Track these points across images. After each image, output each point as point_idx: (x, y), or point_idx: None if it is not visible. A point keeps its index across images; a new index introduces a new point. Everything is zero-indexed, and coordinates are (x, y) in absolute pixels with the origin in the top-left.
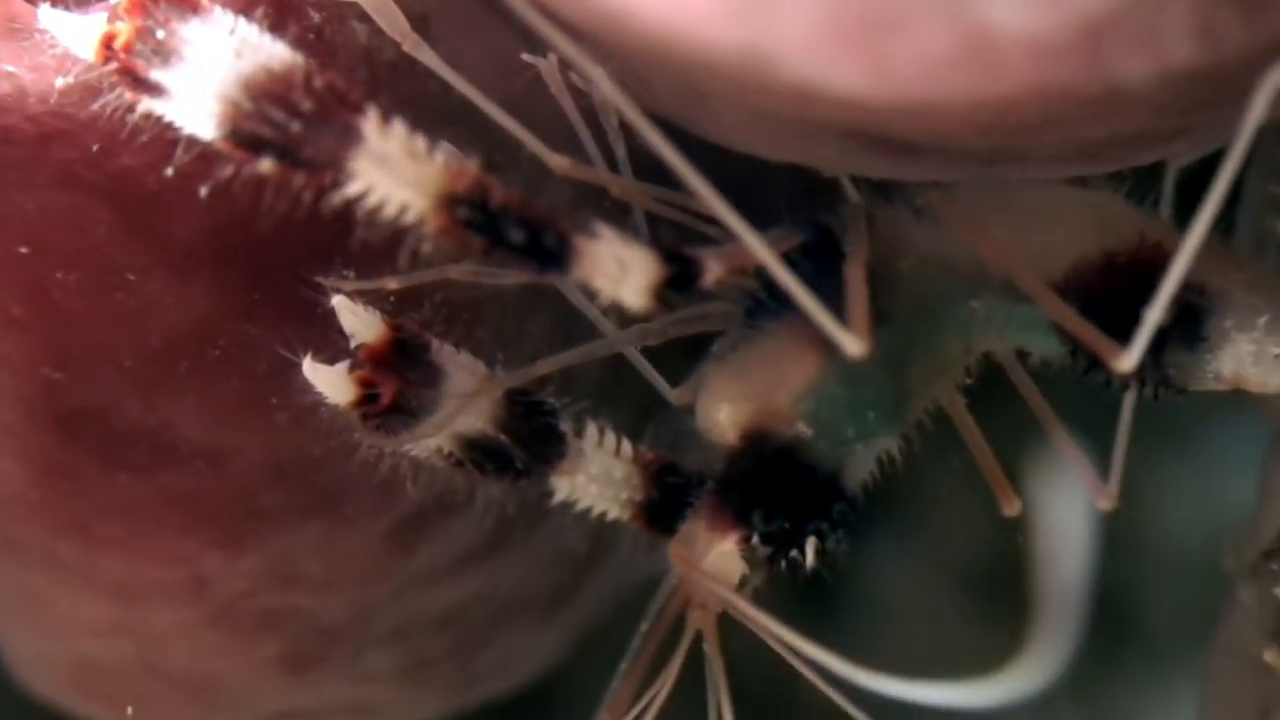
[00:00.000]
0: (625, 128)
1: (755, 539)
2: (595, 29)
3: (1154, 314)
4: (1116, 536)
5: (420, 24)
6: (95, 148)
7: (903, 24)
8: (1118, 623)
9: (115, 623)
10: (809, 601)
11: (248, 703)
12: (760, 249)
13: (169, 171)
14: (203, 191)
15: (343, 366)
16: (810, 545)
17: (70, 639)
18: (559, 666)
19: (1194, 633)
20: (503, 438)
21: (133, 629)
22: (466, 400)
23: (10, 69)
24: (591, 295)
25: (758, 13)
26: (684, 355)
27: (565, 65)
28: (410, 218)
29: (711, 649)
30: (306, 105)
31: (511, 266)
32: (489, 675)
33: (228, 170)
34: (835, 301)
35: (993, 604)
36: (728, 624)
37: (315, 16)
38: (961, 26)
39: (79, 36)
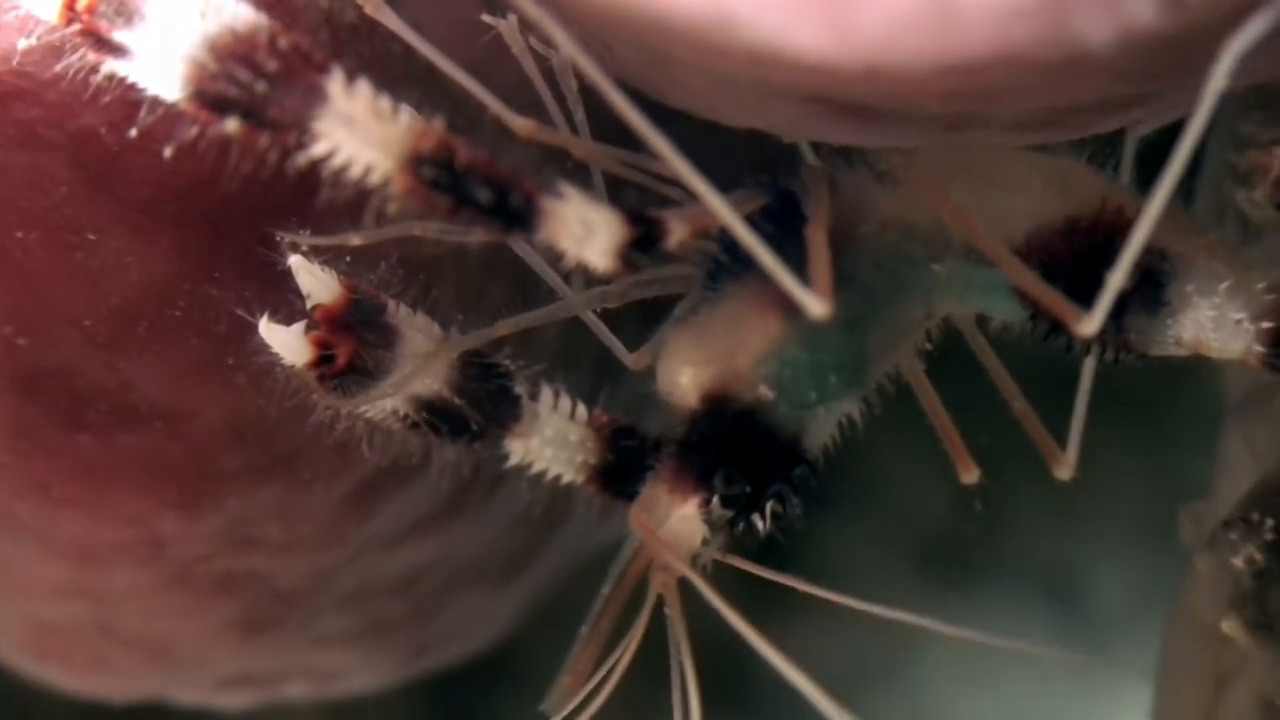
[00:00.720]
0: (586, 91)
1: (716, 502)
2: None
3: (1116, 277)
4: (1072, 506)
5: None
6: (56, 107)
7: None
8: (1072, 593)
9: (72, 584)
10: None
11: (204, 665)
12: (723, 210)
13: (133, 133)
14: (167, 152)
15: (299, 327)
16: (768, 508)
17: (27, 600)
18: (517, 632)
19: (1149, 603)
20: (457, 400)
21: (90, 590)
22: (423, 361)
23: None
24: (555, 257)
25: None
26: (642, 319)
27: (526, 27)
28: (375, 178)
29: (673, 612)
30: (271, 65)
31: (477, 227)
32: (446, 640)
33: (192, 131)
34: (797, 264)
35: (949, 571)
36: (690, 587)
37: None
38: None
39: None
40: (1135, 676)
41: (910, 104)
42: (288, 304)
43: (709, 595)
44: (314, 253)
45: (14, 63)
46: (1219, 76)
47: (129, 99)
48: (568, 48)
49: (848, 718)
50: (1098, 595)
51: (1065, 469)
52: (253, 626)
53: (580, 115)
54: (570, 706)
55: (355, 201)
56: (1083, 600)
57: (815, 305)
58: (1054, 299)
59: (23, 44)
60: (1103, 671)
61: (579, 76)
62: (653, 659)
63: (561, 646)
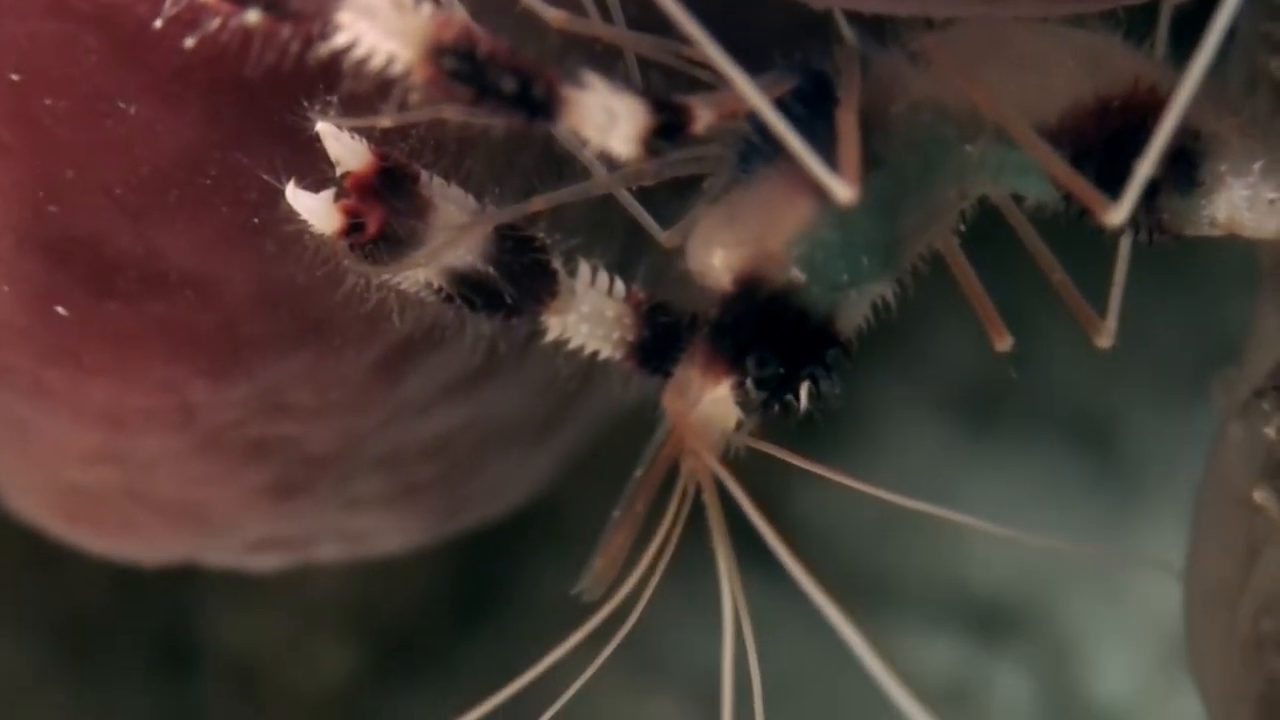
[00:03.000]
0: None
1: (749, 384)
2: None
3: (1145, 165)
4: (1106, 362)
5: None
6: None
7: None
8: (1104, 447)
9: (102, 450)
10: (800, 439)
11: (234, 529)
12: (752, 93)
13: (157, 24)
14: (188, 43)
15: (327, 194)
16: (804, 390)
17: (57, 466)
18: (551, 489)
19: (1181, 461)
20: (492, 273)
21: (120, 456)
22: (457, 233)
23: None
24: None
25: None
26: (674, 195)
27: None
28: (397, 69)
29: (709, 497)
30: None
31: (499, 116)
32: (479, 501)
33: (214, 23)
34: (827, 146)
35: (983, 420)
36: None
37: None
38: None
39: None
40: (1166, 530)
41: None
42: (319, 172)
43: (731, 488)
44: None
45: None
46: None
47: None
48: None
49: (859, 638)
50: (1131, 446)
51: (1105, 337)
52: (284, 491)
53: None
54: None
55: (380, 88)
56: (1116, 451)
57: (842, 190)
58: (1081, 185)
59: None
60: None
61: None
62: (693, 536)
63: (597, 503)
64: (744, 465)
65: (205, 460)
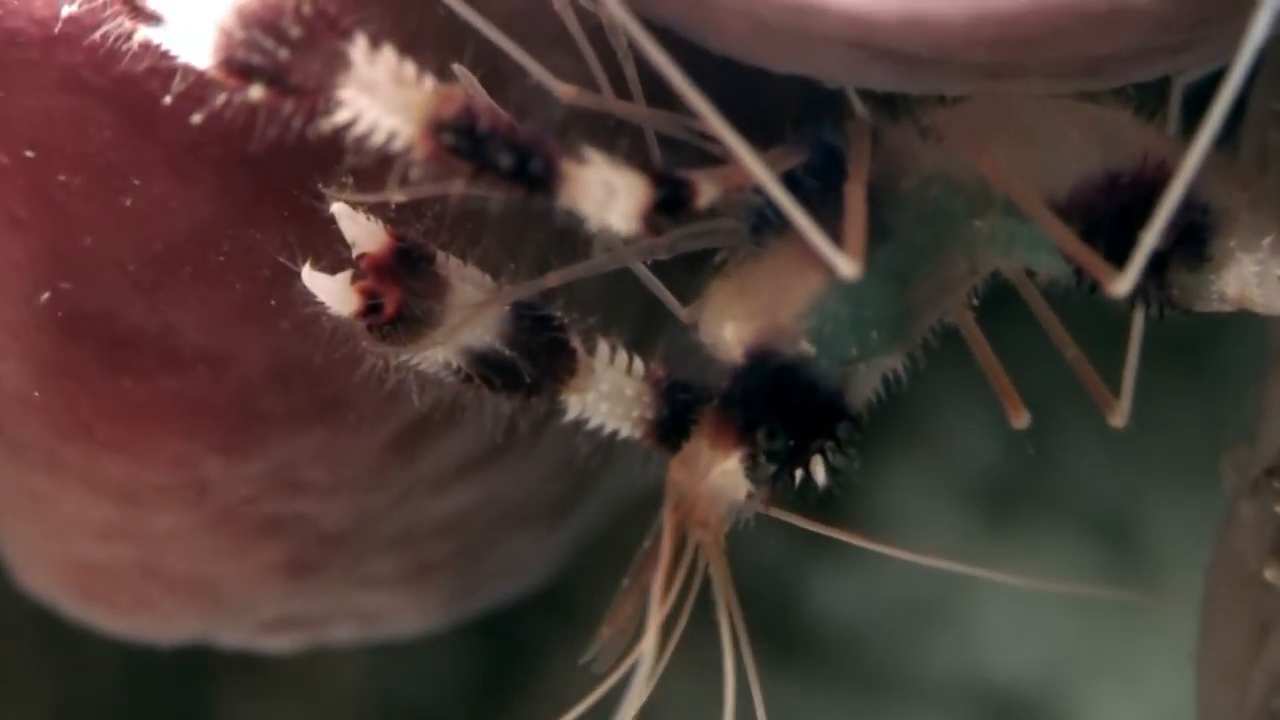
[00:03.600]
0: (633, 47)
1: (759, 456)
2: None
3: (1150, 236)
4: (1120, 449)
5: None
6: (100, 52)
7: None
8: (1118, 535)
9: (116, 525)
10: (809, 515)
11: (248, 607)
12: (757, 168)
13: (167, 100)
14: (196, 118)
15: (344, 276)
16: (818, 462)
17: (71, 541)
18: (565, 572)
19: (1195, 547)
20: (510, 352)
21: (133, 532)
22: (472, 311)
23: None
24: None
25: None
26: (690, 269)
27: None
28: (398, 144)
29: (716, 567)
30: (295, 32)
31: (498, 191)
32: (491, 582)
33: (220, 98)
34: (835, 220)
35: (1004, 516)
36: (736, 535)
37: None
38: None
39: None
40: (1182, 623)
41: (951, 52)
42: (332, 250)
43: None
44: (357, 206)
45: (57, 28)
46: (1260, 24)
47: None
48: (611, 3)
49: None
50: (1148, 537)
51: (1119, 416)
52: (298, 569)
53: (632, 72)
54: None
55: (383, 163)
56: (1130, 540)
57: (846, 265)
58: (1087, 255)
59: (65, 10)
60: (1151, 606)
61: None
62: (702, 609)
63: (611, 586)
64: (762, 560)
65: (219, 536)
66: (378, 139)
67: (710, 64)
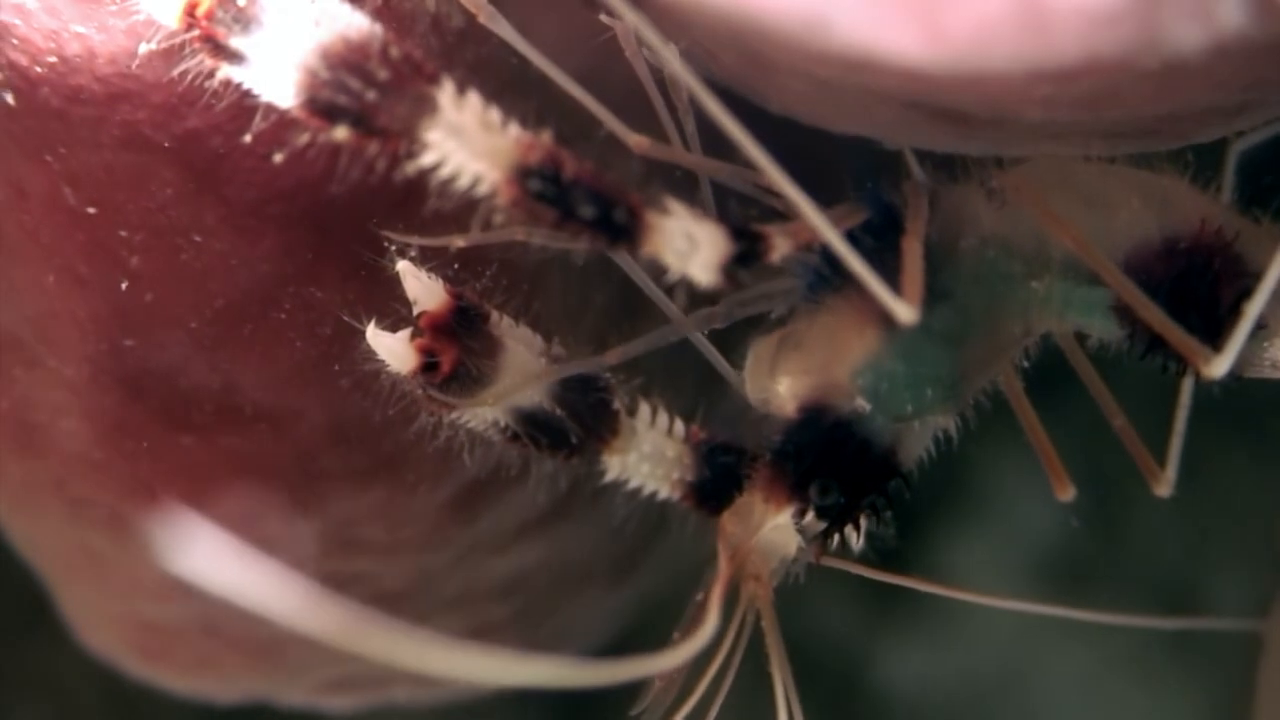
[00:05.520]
0: (695, 102)
1: (810, 512)
2: None
3: (1246, 320)
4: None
5: None
6: (163, 109)
7: None
8: (1180, 610)
9: (177, 584)
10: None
11: (309, 667)
12: (823, 225)
13: (247, 138)
14: (278, 158)
15: (404, 334)
16: (861, 524)
17: (132, 600)
18: (627, 635)
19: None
20: (558, 412)
21: (194, 591)
22: (529, 381)
23: (80, 29)
24: (658, 272)
25: None
26: (744, 337)
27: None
28: (482, 189)
29: (767, 622)
30: (383, 74)
31: (581, 239)
32: (554, 644)
33: (302, 138)
34: (893, 278)
35: (1056, 586)
36: (790, 590)
37: None
38: None
39: (161, 3)
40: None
41: (1007, 111)
42: (390, 308)
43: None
44: (419, 255)
45: (133, 66)
46: None
47: (235, 101)
48: (673, 61)
49: None
50: (1206, 605)
51: (1164, 486)
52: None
53: (691, 127)
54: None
55: (459, 209)
56: (1191, 612)
57: (904, 311)
58: (1178, 335)
59: (143, 48)
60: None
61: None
62: (754, 663)
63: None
64: (826, 632)
65: None
66: (462, 183)
67: (769, 120)
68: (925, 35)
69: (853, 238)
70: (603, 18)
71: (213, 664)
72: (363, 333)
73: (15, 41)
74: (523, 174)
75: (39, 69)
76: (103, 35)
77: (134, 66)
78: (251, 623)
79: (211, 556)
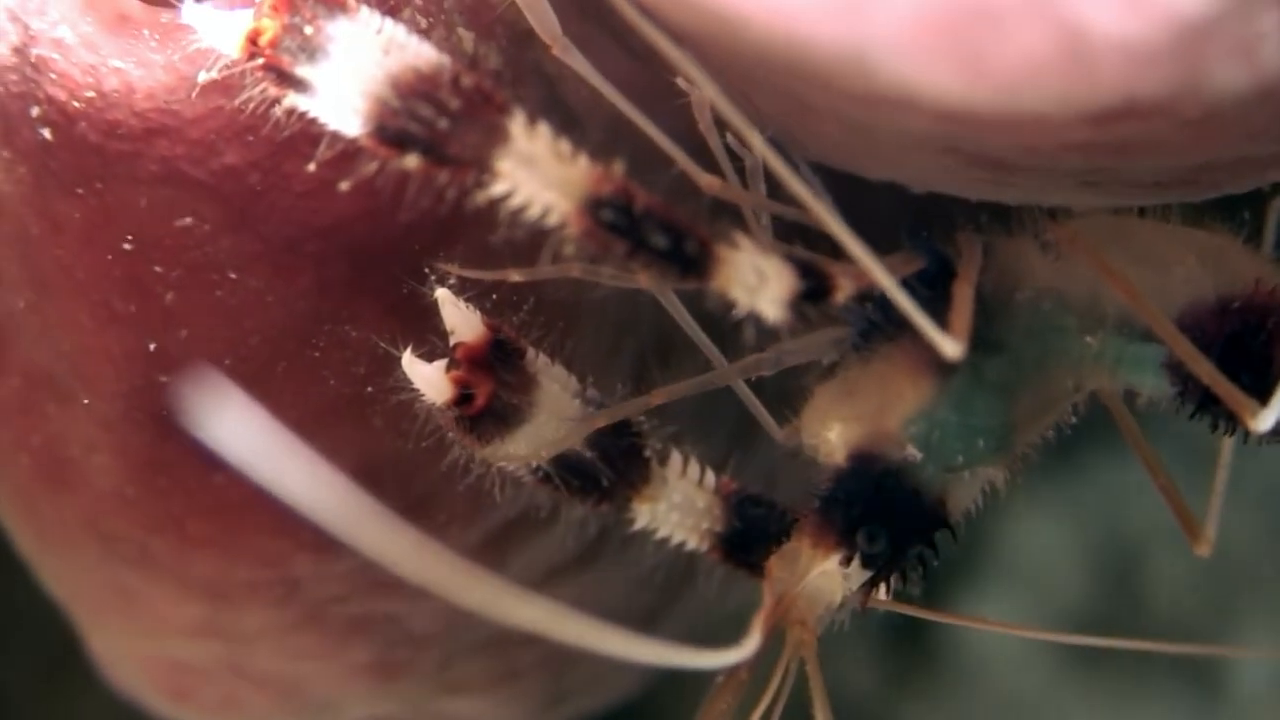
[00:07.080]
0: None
1: (857, 560)
2: (699, 33)
3: None
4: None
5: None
6: (200, 145)
7: (995, 21)
8: (1216, 680)
9: (205, 623)
10: (901, 652)
11: (336, 707)
12: (878, 270)
13: (311, 167)
14: (343, 186)
15: (441, 364)
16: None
17: (160, 638)
18: (655, 684)
19: None
20: (589, 454)
21: (223, 629)
22: (579, 427)
23: (118, 64)
24: (728, 306)
25: (854, 8)
26: (782, 392)
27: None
28: (553, 219)
29: (811, 665)
30: (454, 103)
31: (651, 271)
32: (581, 691)
33: (370, 167)
34: (945, 324)
35: (1099, 665)
36: (832, 638)
37: (422, 22)
38: (1055, 25)
39: (224, 32)
40: None
41: (1043, 157)
42: (427, 344)
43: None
44: (458, 286)
45: (189, 95)
46: None
47: (271, 138)
48: (736, 119)
49: None
50: (1244, 679)
51: (1204, 545)
52: (386, 670)
53: (761, 187)
54: None
55: (500, 245)
56: (1229, 685)
57: (951, 347)
58: (1228, 389)
59: (203, 76)
60: None
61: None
62: (796, 712)
63: (698, 699)
64: (853, 696)
65: (307, 635)
66: (533, 213)
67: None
68: (967, 72)
69: (908, 285)
70: (680, 82)
71: (240, 704)
72: (397, 368)
73: (53, 76)
74: (595, 204)
75: (77, 104)
76: (141, 70)
77: (192, 95)
78: (279, 662)
79: (243, 429)
